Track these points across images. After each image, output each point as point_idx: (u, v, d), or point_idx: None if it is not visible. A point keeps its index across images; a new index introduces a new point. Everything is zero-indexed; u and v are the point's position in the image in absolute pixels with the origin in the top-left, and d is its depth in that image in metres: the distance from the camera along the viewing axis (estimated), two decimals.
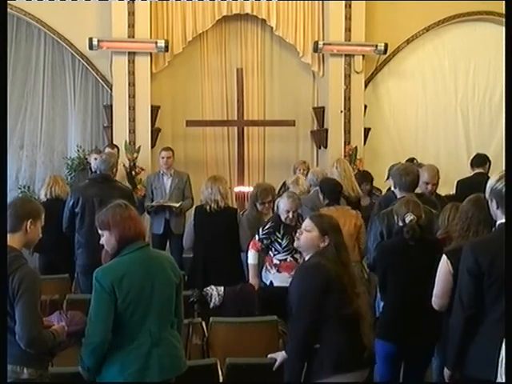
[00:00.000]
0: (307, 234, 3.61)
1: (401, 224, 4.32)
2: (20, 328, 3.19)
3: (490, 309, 3.16)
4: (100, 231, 3.45)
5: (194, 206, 6.89)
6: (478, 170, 6.85)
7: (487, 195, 3.28)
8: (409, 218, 4.24)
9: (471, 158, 7.19)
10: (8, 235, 3.33)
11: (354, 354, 3.42)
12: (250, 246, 5.56)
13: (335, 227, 3.63)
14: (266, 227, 5.48)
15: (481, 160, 6.97)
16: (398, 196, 5.05)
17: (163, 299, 3.42)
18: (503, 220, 3.19)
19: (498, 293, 3.12)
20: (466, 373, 3.28)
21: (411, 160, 8.19)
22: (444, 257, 3.63)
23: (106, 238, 3.42)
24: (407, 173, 5.10)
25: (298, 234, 3.71)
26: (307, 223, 3.67)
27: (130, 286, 3.29)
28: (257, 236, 5.53)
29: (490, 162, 7.29)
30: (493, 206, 3.25)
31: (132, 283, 3.31)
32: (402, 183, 5.08)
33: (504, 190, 3.14)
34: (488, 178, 3.51)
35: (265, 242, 5.46)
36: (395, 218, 4.43)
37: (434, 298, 3.72)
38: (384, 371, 4.32)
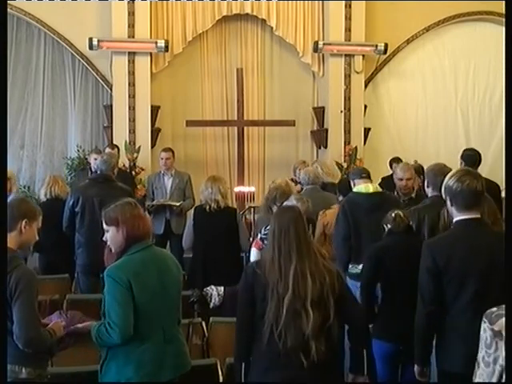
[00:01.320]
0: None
1: (389, 226, 4.36)
2: (18, 328, 3.19)
3: (452, 303, 3.28)
4: (106, 227, 3.40)
5: (194, 206, 6.88)
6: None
7: (443, 194, 3.40)
8: (394, 213, 4.36)
9: (463, 150, 6.93)
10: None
11: (271, 357, 3.21)
12: (253, 245, 5.55)
13: (283, 228, 3.30)
14: (268, 228, 5.46)
15: (473, 159, 6.83)
16: (430, 195, 5.05)
17: (172, 297, 3.43)
18: (459, 217, 3.32)
19: (459, 288, 3.26)
20: (438, 367, 3.38)
21: (396, 160, 8.22)
22: None
23: (112, 235, 3.37)
24: (442, 173, 5.12)
25: None
26: None
27: (143, 284, 3.28)
28: (259, 235, 5.52)
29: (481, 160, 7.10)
30: (447, 203, 3.38)
31: (145, 282, 3.29)
32: (436, 183, 5.10)
33: (455, 187, 3.29)
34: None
35: (265, 242, 5.44)
36: (383, 224, 4.47)
37: None
38: (382, 371, 4.34)
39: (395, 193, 6.50)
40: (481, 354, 2.24)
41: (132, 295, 3.22)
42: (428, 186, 5.16)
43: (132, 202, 3.47)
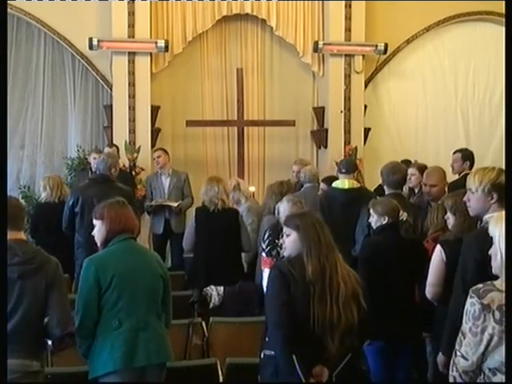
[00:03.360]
0: (288, 239, 3.42)
1: (384, 222, 4.38)
2: (61, 312, 3.34)
3: None
4: (94, 221, 3.72)
5: (194, 207, 6.84)
6: (468, 171, 6.75)
7: (484, 190, 3.39)
8: (404, 216, 4.34)
9: (462, 152, 6.88)
10: (20, 233, 3.46)
11: (315, 353, 3.23)
12: (262, 266, 5.27)
13: (307, 224, 3.37)
14: (265, 238, 5.23)
15: (473, 160, 6.87)
16: (387, 193, 5.27)
17: (148, 288, 3.63)
18: (501, 212, 3.32)
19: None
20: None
21: (405, 162, 8.22)
22: (438, 246, 3.82)
23: (97, 228, 3.70)
24: (394, 172, 5.34)
25: (283, 244, 3.54)
26: (284, 228, 3.48)
27: (113, 271, 3.51)
28: (264, 254, 5.23)
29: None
30: (488, 200, 3.38)
31: (115, 269, 3.53)
32: (389, 180, 5.32)
33: (506, 184, 3.29)
34: None
35: (273, 253, 5.14)
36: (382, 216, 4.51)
37: (428, 288, 3.90)
38: (375, 367, 4.41)
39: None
40: (467, 325, 2.54)
41: (99, 286, 3.49)
42: (384, 185, 5.39)
43: (121, 201, 3.76)
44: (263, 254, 5.27)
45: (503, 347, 2.47)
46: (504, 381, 2.48)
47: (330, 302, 3.21)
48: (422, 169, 6.83)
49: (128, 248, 3.67)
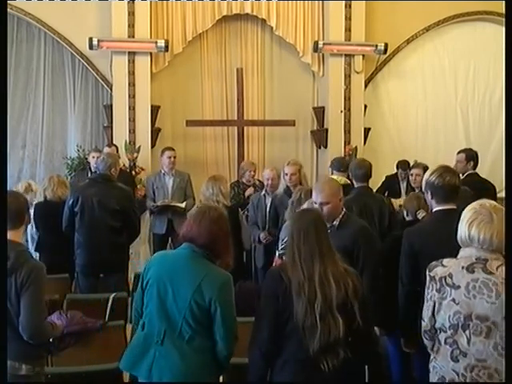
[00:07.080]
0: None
1: (409, 218, 4.42)
2: (25, 318, 3.24)
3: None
4: None
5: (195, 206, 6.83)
6: (472, 171, 6.77)
7: (423, 187, 3.87)
8: (421, 214, 4.43)
9: (471, 151, 6.92)
10: (11, 232, 3.36)
11: (298, 362, 3.13)
12: (273, 265, 5.14)
13: (292, 231, 3.30)
14: (284, 240, 5.02)
15: (477, 160, 6.88)
16: (356, 186, 5.70)
17: (180, 306, 3.26)
18: (438, 208, 3.77)
19: None
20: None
21: (403, 162, 8.25)
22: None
23: None
24: (360, 166, 5.74)
25: None
26: None
27: (149, 276, 3.37)
28: (277, 252, 5.19)
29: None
30: (428, 196, 3.80)
31: (152, 274, 3.37)
32: (357, 174, 5.72)
33: (436, 182, 3.73)
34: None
35: (284, 257, 5.14)
36: (404, 211, 4.58)
37: None
38: (394, 362, 4.40)
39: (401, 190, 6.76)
40: (425, 293, 3.01)
41: (142, 285, 3.41)
42: (351, 178, 5.84)
43: (218, 215, 3.41)
44: (276, 253, 5.30)
45: (442, 312, 2.90)
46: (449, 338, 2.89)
47: (305, 310, 3.09)
48: (426, 169, 6.92)
49: (173, 259, 3.39)
